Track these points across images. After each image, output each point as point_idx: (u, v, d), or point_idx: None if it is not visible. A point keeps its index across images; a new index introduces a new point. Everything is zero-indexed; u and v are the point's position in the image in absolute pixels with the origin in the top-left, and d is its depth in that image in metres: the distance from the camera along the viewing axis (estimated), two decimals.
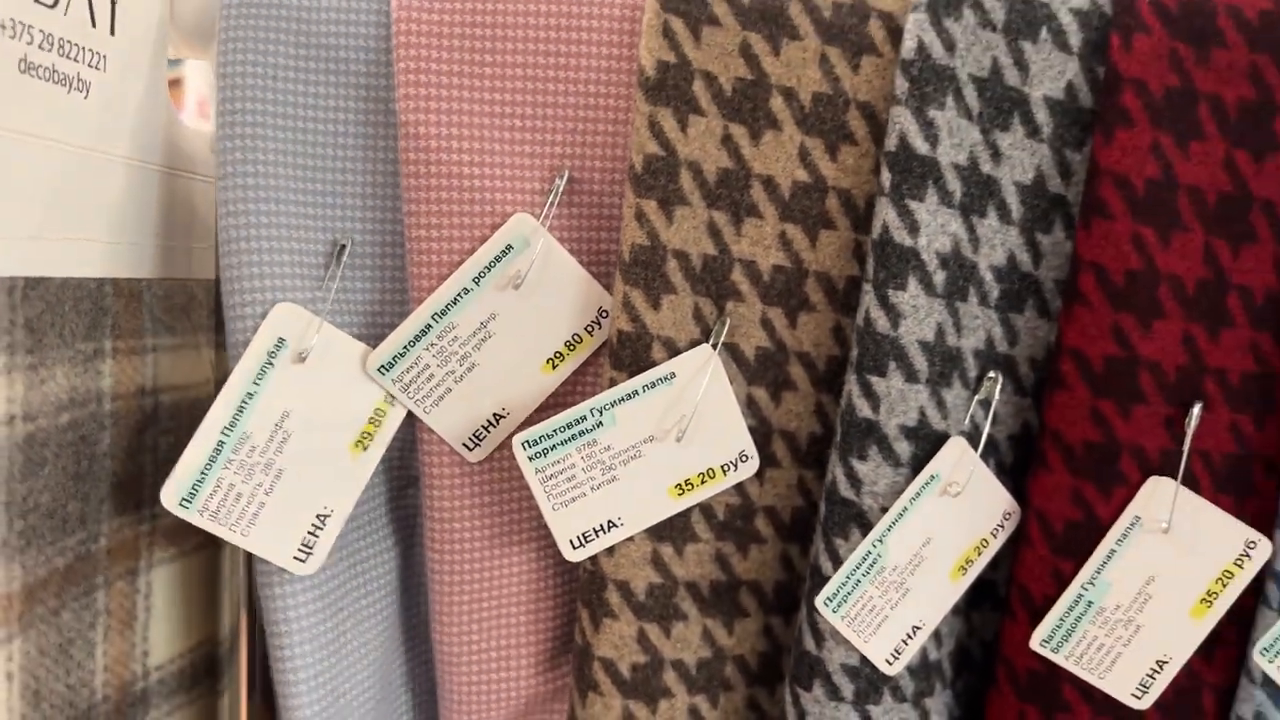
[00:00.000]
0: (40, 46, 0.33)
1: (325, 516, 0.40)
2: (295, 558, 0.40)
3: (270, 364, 0.39)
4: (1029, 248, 0.40)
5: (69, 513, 0.36)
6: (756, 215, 0.40)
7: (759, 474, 0.42)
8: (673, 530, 0.41)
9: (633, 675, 0.41)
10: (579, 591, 0.41)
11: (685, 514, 0.41)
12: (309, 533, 0.40)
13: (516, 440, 0.39)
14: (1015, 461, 0.42)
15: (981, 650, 0.45)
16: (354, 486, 0.41)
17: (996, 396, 0.40)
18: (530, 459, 0.39)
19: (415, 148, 0.38)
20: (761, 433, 0.41)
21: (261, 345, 0.39)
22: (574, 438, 0.39)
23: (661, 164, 0.38)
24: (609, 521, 0.40)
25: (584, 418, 0.39)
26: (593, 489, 0.39)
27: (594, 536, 0.40)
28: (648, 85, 0.38)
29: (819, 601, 0.39)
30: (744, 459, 0.41)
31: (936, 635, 0.42)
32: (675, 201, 0.38)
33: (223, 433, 0.39)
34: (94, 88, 0.36)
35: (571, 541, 0.40)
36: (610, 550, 0.40)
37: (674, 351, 0.39)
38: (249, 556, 0.45)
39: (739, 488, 0.42)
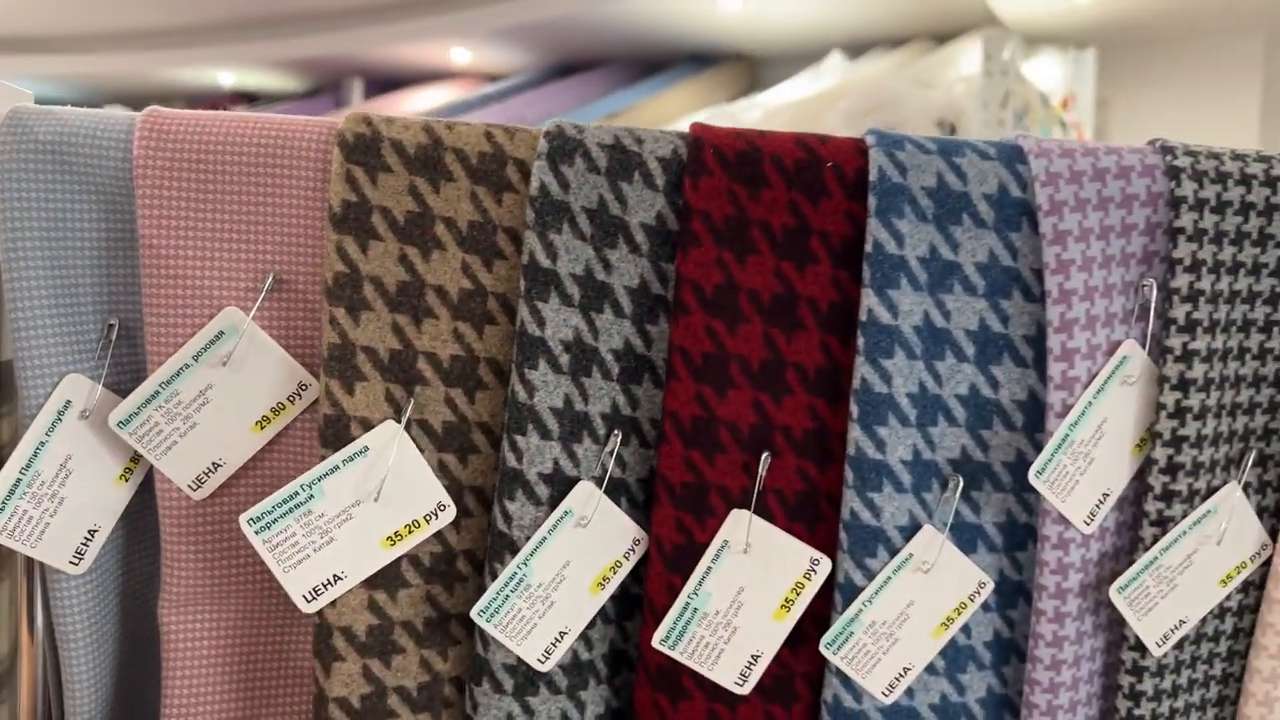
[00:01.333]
0: None
1: (94, 531, 0.51)
2: (70, 562, 0.50)
3: (60, 420, 0.50)
4: (640, 335, 0.52)
5: None
6: (433, 316, 0.51)
7: (455, 522, 0.52)
8: (385, 578, 0.51)
9: (363, 704, 0.51)
10: (312, 645, 0.51)
11: (396, 564, 0.51)
12: (81, 543, 0.50)
13: (243, 519, 0.49)
14: (645, 499, 0.54)
15: (637, 652, 0.56)
16: (117, 508, 0.52)
17: (616, 448, 0.52)
18: (256, 533, 0.49)
19: (150, 254, 0.49)
20: (454, 489, 0.52)
21: (53, 406, 0.49)
22: (290, 510, 0.50)
23: (347, 279, 0.50)
24: (334, 575, 0.50)
25: (296, 493, 0.49)
26: (314, 551, 0.50)
27: (323, 589, 0.50)
28: (335, 219, 0.49)
29: (474, 613, 0.50)
30: (441, 509, 0.52)
31: (586, 639, 0.53)
32: (361, 308, 0.50)
33: (20, 471, 0.49)
34: None
35: (304, 596, 0.50)
36: (333, 602, 0.50)
37: (370, 429, 0.50)
38: (39, 578, 0.55)
39: (440, 536, 0.52)
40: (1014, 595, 0.55)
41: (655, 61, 4.42)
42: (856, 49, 3.78)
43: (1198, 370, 0.50)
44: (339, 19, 3.95)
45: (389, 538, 0.50)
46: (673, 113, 3.87)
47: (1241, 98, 3.83)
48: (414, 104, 4.35)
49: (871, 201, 0.50)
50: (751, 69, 4.43)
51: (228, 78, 4.79)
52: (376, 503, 0.49)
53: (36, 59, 4.39)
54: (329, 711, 0.50)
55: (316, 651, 0.50)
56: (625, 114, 3.83)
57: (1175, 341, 0.51)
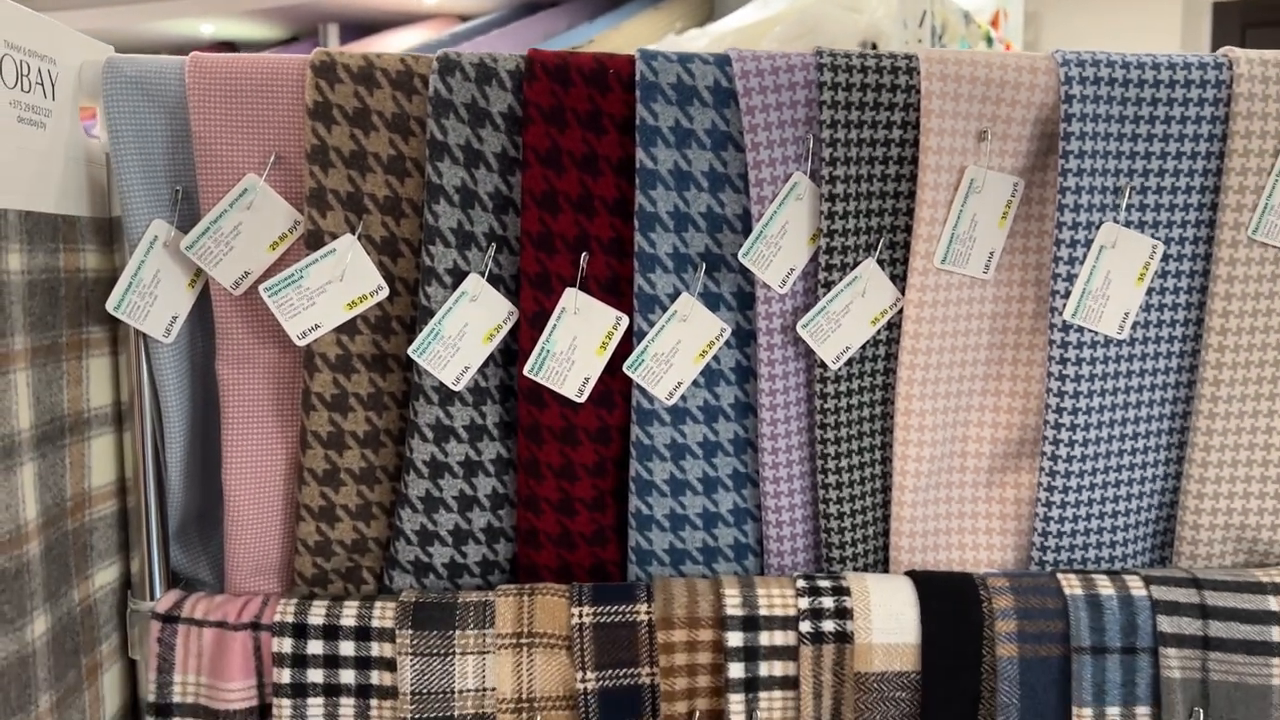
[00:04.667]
0: (25, 106, 0.74)
1: (175, 317, 0.83)
2: (163, 334, 0.83)
3: (151, 248, 0.82)
4: (504, 183, 0.84)
5: None
6: (372, 171, 0.83)
7: (390, 299, 0.85)
8: (347, 328, 0.84)
9: (333, 399, 0.84)
10: (303, 363, 0.84)
11: (353, 321, 0.84)
12: (169, 323, 0.83)
13: (262, 289, 0.81)
14: (515, 287, 0.86)
15: (516, 384, 0.89)
16: (189, 303, 0.84)
17: (493, 254, 0.84)
18: (269, 297, 0.82)
19: (200, 144, 0.81)
20: (389, 278, 0.85)
21: (146, 240, 0.81)
22: (289, 284, 0.82)
23: (318, 149, 0.81)
24: (315, 324, 0.83)
25: (292, 275, 0.82)
26: (304, 309, 0.82)
27: (310, 332, 0.83)
28: (309, 112, 0.81)
29: (410, 351, 0.83)
30: (380, 289, 0.84)
31: (483, 374, 0.86)
32: (328, 166, 0.82)
33: (130, 278, 0.81)
34: (48, 126, 0.77)
35: (298, 335, 0.82)
36: (315, 340, 0.83)
37: (335, 239, 0.82)
38: (144, 348, 0.87)
39: (380, 305, 0.85)
40: (746, 338, 0.88)
41: None
42: None
43: (840, 188, 0.83)
44: None
45: (348, 304, 0.83)
46: (633, 43, 4.12)
47: (1165, 6, 4.09)
48: (388, 45, 4.59)
49: (638, 92, 0.81)
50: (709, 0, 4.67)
51: (208, 28, 5.02)
52: (341, 282, 0.82)
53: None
54: (311, 401, 0.83)
55: (304, 365, 0.83)
56: (588, 46, 4.08)
57: (826, 172, 0.83)
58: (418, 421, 0.84)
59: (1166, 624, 0.84)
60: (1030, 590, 0.85)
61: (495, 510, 0.88)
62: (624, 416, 0.87)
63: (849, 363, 0.87)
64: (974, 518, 0.91)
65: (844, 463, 0.88)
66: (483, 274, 0.84)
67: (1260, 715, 0.84)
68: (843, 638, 0.85)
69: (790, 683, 0.85)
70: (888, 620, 0.84)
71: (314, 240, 0.82)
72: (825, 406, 0.87)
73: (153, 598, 0.86)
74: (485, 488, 0.88)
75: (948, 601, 0.85)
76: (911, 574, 0.88)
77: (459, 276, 0.83)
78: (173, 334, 0.83)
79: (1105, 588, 0.85)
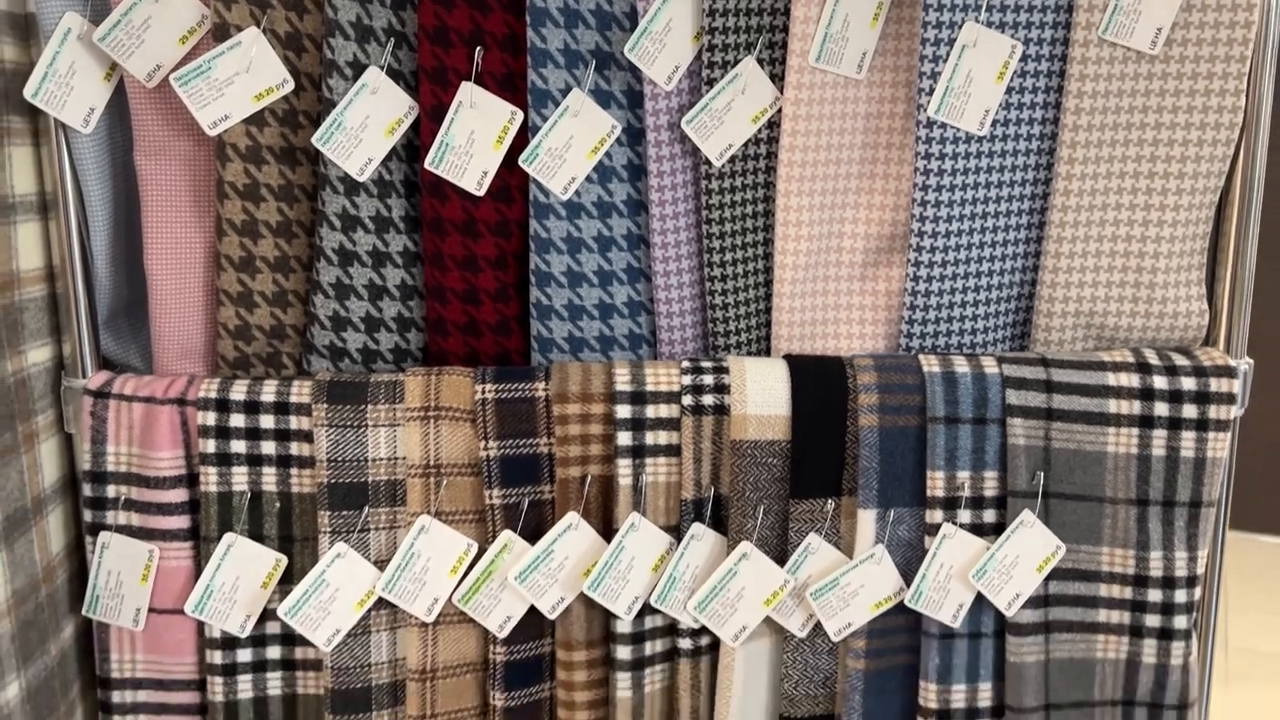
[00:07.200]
0: None
1: (94, 109, 0.88)
2: (81, 123, 0.87)
3: (65, 39, 0.86)
4: (396, 17, 0.89)
5: None
6: None
7: (295, 93, 0.90)
8: (255, 120, 0.89)
9: (245, 188, 0.90)
10: (214, 152, 0.89)
11: (261, 113, 0.89)
12: (87, 114, 0.88)
13: (172, 78, 0.86)
14: (415, 83, 0.91)
15: (420, 180, 0.95)
16: (105, 96, 0.89)
17: (391, 49, 0.89)
18: (180, 87, 0.86)
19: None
20: (295, 74, 0.90)
21: (60, 31, 0.85)
22: (199, 75, 0.87)
23: None
24: (225, 115, 0.88)
25: (200, 65, 0.86)
26: (214, 100, 0.87)
27: (220, 123, 0.88)
28: None
29: (314, 140, 0.88)
30: (285, 83, 0.89)
31: (386, 167, 0.92)
32: None
33: (46, 67, 0.86)
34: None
35: (208, 125, 0.88)
36: (226, 130, 0.88)
37: (240, 31, 0.87)
38: (65, 142, 0.92)
39: (286, 99, 0.90)
40: (637, 136, 0.94)
41: None
42: None
43: None
44: None
45: (256, 95, 0.88)
46: None
47: None
48: None
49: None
50: None
51: None
52: (248, 75, 0.87)
53: None
54: (225, 190, 0.89)
55: (216, 155, 0.88)
56: None
57: None
58: (325, 211, 0.90)
59: (1014, 397, 0.92)
60: (892, 368, 0.94)
61: (405, 301, 0.95)
62: (522, 211, 0.94)
63: (732, 160, 0.93)
64: (849, 309, 0.99)
65: (729, 256, 0.95)
66: (382, 68, 0.88)
67: (1095, 479, 0.93)
68: (720, 410, 0.93)
69: (673, 450, 0.93)
70: (762, 394, 0.92)
71: (220, 33, 0.86)
72: (710, 203, 0.93)
73: (85, 377, 0.93)
74: (394, 278, 0.94)
75: (817, 377, 0.93)
76: (787, 356, 0.96)
77: (359, 69, 0.88)
78: (91, 124, 0.88)
79: (961, 366, 0.93)
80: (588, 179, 0.93)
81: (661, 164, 0.92)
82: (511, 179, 0.93)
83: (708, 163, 0.92)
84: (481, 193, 0.91)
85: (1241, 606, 2.33)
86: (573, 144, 0.91)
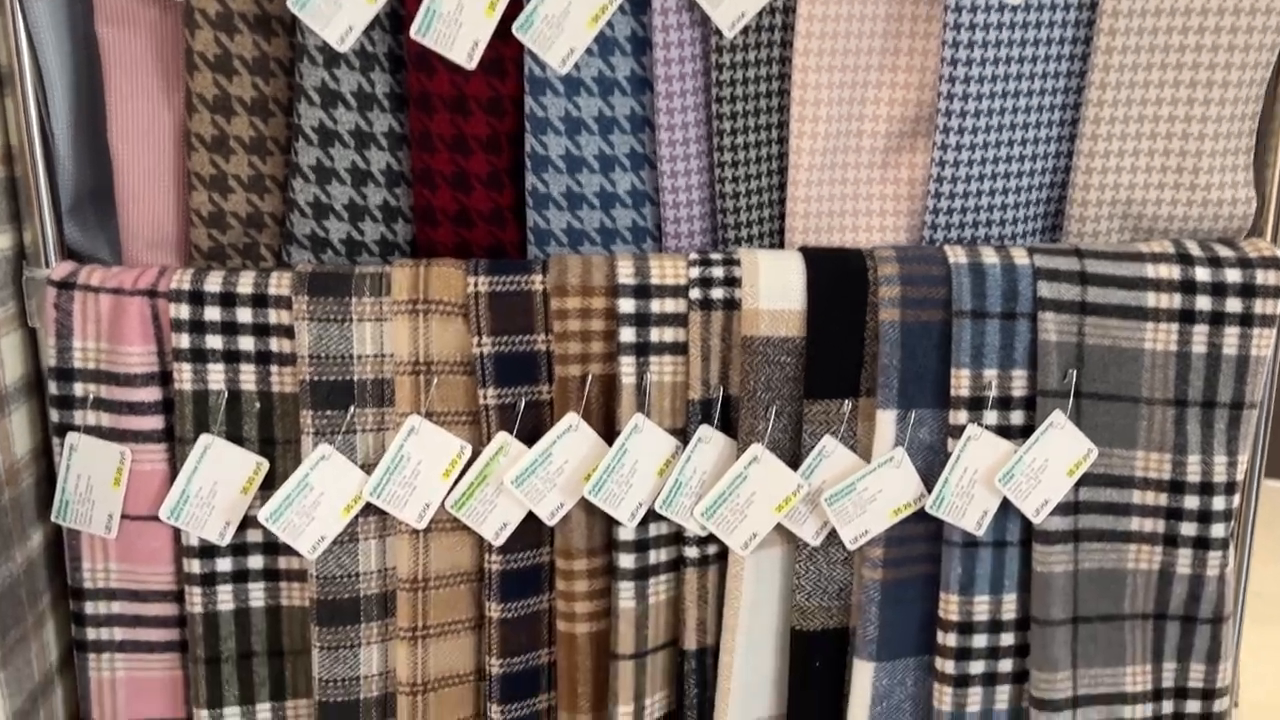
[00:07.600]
0: None
1: None
2: None
3: None
4: None
5: None
6: None
7: None
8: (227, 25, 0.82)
9: (214, 100, 0.82)
10: (184, 61, 0.82)
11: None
12: None
13: None
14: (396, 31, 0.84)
15: (404, 50, 0.88)
16: None
17: None
18: None
19: None
20: None
21: None
22: None
23: None
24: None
25: None
26: None
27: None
28: None
29: (289, 2, 0.81)
30: None
31: (360, 42, 0.84)
32: None
33: None
34: None
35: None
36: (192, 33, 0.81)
37: None
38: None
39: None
40: (642, 5, 0.86)
41: None
42: None
43: None
44: None
45: None
46: None
47: None
48: None
49: None
50: None
51: None
52: None
53: None
54: (194, 60, 0.82)
55: (184, 22, 0.81)
56: None
57: None
58: (304, 84, 0.83)
59: (1046, 289, 0.86)
60: (915, 259, 0.87)
61: (391, 188, 0.88)
62: (517, 86, 0.86)
63: (745, 31, 0.86)
64: (868, 199, 0.92)
65: (740, 140, 0.88)
66: None
67: (1131, 377, 0.87)
68: (730, 304, 0.87)
69: (680, 348, 0.87)
70: (775, 287, 0.86)
71: None
72: (721, 79, 0.86)
73: (48, 267, 0.87)
74: (379, 162, 0.87)
75: (834, 269, 0.87)
76: (803, 249, 0.89)
77: None
78: None
79: (989, 257, 0.87)
80: (588, 51, 0.86)
81: (668, 34, 0.85)
82: (505, 50, 0.85)
83: (718, 33, 0.85)
84: (472, 65, 0.84)
85: (1264, 558, 2.27)
86: (571, 11, 0.84)
